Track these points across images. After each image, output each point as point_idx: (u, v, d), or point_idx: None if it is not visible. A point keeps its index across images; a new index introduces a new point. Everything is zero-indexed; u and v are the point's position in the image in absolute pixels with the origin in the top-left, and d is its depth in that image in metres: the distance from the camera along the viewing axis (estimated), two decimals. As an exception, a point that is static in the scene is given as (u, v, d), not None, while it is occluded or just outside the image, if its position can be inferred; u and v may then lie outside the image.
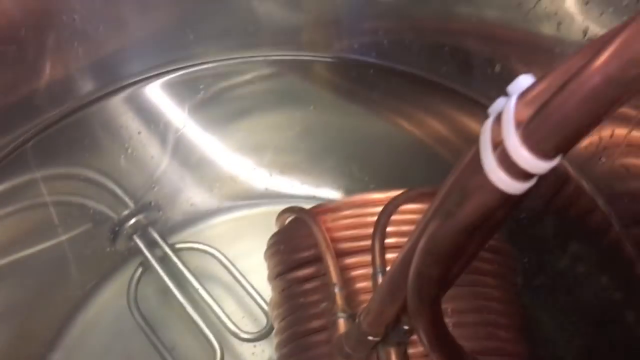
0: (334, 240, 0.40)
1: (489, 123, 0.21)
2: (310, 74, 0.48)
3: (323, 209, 0.41)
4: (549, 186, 0.48)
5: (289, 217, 0.44)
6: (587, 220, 0.46)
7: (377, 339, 0.32)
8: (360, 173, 0.54)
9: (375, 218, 0.38)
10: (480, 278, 0.39)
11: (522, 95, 0.20)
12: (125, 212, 0.50)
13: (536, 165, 0.19)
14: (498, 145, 0.20)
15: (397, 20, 0.43)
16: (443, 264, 0.23)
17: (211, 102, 0.50)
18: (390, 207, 0.39)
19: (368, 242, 0.38)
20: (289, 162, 0.54)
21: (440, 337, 0.27)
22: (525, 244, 0.47)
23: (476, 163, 0.20)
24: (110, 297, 0.50)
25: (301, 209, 0.42)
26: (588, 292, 0.45)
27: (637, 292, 0.41)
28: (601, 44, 0.17)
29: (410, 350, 0.35)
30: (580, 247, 0.47)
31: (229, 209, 0.54)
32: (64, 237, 0.48)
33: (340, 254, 0.39)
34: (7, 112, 0.42)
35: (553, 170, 0.20)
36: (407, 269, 0.26)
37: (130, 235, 0.50)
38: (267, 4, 0.46)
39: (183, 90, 0.48)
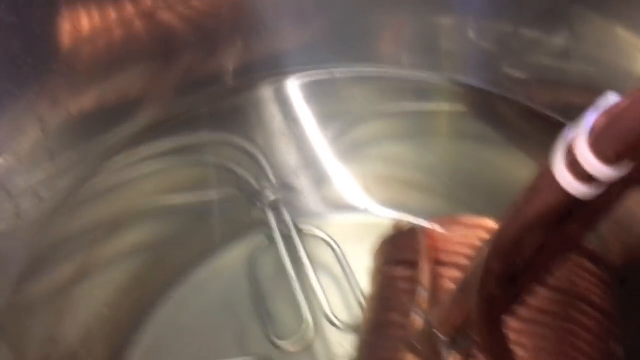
0: (436, 249, 0.42)
1: (571, 129, 0.22)
2: (459, 102, 0.51)
3: (435, 220, 0.43)
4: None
5: (405, 224, 0.47)
6: None
7: (444, 338, 0.33)
8: (486, 211, 0.55)
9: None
10: (572, 327, 0.39)
11: (607, 108, 0.21)
12: (267, 186, 0.56)
13: (598, 168, 0.20)
14: (571, 149, 0.21)
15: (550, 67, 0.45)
16: (504, 258, 0.25)
17: (366, 110, 0.55)
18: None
19: (467, 261, 0.40)
20: (424, 182, 0.56)
21: (494, 341, 0.29)
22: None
23: (550, 165, 0.22)
24: (234, 257, 0.56)
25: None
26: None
27: None
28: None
29: (477, 366, 0.36)
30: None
31: (357, 212, 0.58)
32: (215, 196, 0.55)
33: (437, 263, 0.41)
34: (195, 81, 0.50)
35: None
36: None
37: (265, 208, 0.56)
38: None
39: (345, 90, 0.54)
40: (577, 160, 0.21)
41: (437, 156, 0.56)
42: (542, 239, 0.26)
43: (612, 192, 0.23)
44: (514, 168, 0.53)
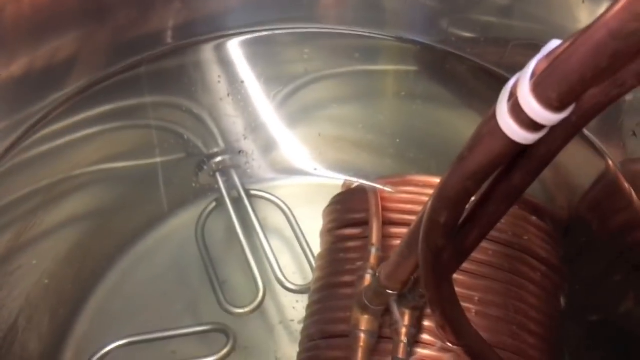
0: (386, 210, 0.41)
1: (514, 78, 0.22)
2: (407, 61, 0.51)
3: (385, 180, 0.43)
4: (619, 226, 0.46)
5: (354, 183, 0.46)
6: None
7: (393, 293, 0.33)
8: (437, 170, 0.55)
9: (429, 199, 0.40)
10: (520, 280, 0.39)
11: (548, 53, 0.21)
12: (215, 150, 0.55)
13: (541, 114, 0.20)
14: (513, 95, 0.21)
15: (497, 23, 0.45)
16: (450, 209, 0.25)
17: (314, 71, 0.54)
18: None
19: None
20: (375, 142, 0.56)
21: (442, 294, 0.29)
22: (583, 275, 0.46)
23: (493, 113, 0.22)
24: (183, 223, 0.55)
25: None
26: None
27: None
28: (615, 2, 0.18)
29: (425, 323, 0.36)
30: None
31: (308, 174, 0.57)
32: (159, 160, 0.54)
33: (388, 223, 0.41)
34: (131, 41, 0.48)
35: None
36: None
37: (214, 172, 0.54)
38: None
39: (290, 51, 0.52)
40: (520, 105, 0.20)
41: (386, 116, 0.56)
42: (487, 189, 0.26)
43: (554, 139, 0.23)
44: (464, 126, 0.53)
